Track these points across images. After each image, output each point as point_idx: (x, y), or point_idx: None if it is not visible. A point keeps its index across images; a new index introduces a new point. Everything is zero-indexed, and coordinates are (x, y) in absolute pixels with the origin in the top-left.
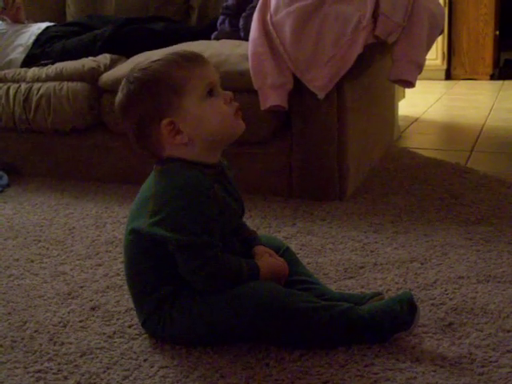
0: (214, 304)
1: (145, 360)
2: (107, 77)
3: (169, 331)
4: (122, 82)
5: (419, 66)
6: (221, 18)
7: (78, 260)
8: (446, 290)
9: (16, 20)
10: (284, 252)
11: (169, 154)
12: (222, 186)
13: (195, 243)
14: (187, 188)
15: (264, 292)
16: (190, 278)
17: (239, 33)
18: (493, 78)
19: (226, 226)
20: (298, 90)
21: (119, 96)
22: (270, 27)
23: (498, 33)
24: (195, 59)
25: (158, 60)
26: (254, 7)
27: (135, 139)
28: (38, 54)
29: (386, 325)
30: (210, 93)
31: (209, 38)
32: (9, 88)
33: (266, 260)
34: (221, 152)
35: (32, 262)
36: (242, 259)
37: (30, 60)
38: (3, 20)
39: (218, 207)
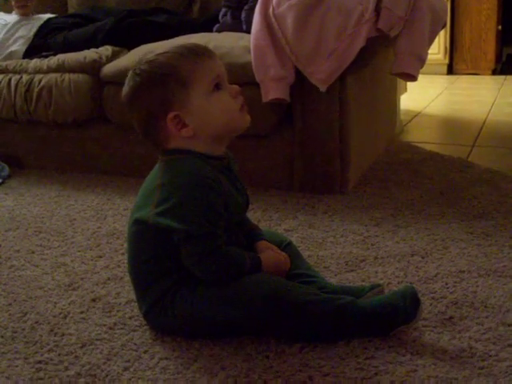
0: (216, 295)
1: (145, 351)
2: (109, 69)
3: (170, 322)
4: (129, 74)
5: (421, 60)
6: (223, 10)
7: (79, 251)
8: (446, 284)
9: (23, 14)
10: (286, 246)
11: (174, 145)
12: (227, 178)
13: (200, 233)
14: (193, 179)
15: (266, 284)
16: (193, 268)
17: (241, 25)
18: (495, 72)
19: (230, 219)
20: (300, 83)
21: (125, 88)
22: (272, 20)
23: (500, 27)
24: (202, 52)
25: (165, 53)
26: (257, 0)
27: (141, 131)
28: (39, 45)
29: (388, 319)
30: (217, 86)
31: (211, 31)
32: (10, 79)
33: (269, 254)
34: (226, 144)
35: (33, 253)
36: (245, 252)
37: (31, 52)
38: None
39: (223, 198)
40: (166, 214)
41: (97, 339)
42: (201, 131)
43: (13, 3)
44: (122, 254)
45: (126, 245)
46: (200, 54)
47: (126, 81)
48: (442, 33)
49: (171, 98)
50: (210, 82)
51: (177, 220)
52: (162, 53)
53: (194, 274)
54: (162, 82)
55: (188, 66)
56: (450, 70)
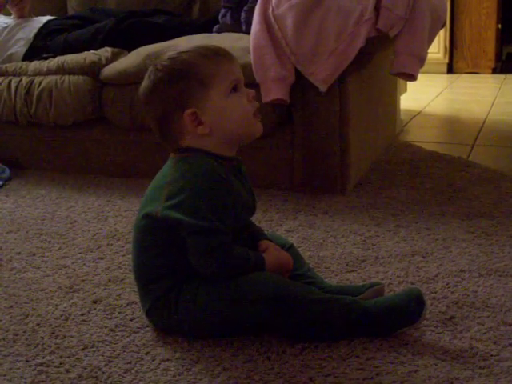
0: (219, 295)
1: (147, 353)
2: (108, 70)
3: (173, 320)
4: (149, 69)
5: (421, 60)
6: (222, 11)
7: (80, 253)
8: (447, 284)
9: (20, 15)
10: (288, 249)
11: (188, 143)
12: (237, 180)
13: (208, 228)
14: (204, 175)
15: (269, 284)
16: (198, 263)
17: (241, 26)
18: (495, 71)
19: (238, 220)
20: (300, 84)
21: (146, 82)
22: (272, 20)
23: (500, 26)
24: (224, 55)
25: (188, 51)
26: (256, 0)
27: (156, 126)
28: (39, 47)
29: (392, 320)
30: (235, 89)
31: (210, 32)
32: (10, 81)
33: (272, 252)
34: (236, 149)
35: (34, 255)
36: (249, 250)
37: (31, 54)
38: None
39: (233, 198)
40: (175, 207)
41: (98, 341)
42: (216, 130)
43: (8, 7)
44: (123, 255)
45: (127, 246)
46: (222, 55)
47: (146, 75)
48: (441, 32)
49: (190, 95)
50: (228, 84)
51: (186, 214)
52: (185, 51)
53: (198, 272)
54: (183, 79)
55: (209, 66)
56: (450, 69)
